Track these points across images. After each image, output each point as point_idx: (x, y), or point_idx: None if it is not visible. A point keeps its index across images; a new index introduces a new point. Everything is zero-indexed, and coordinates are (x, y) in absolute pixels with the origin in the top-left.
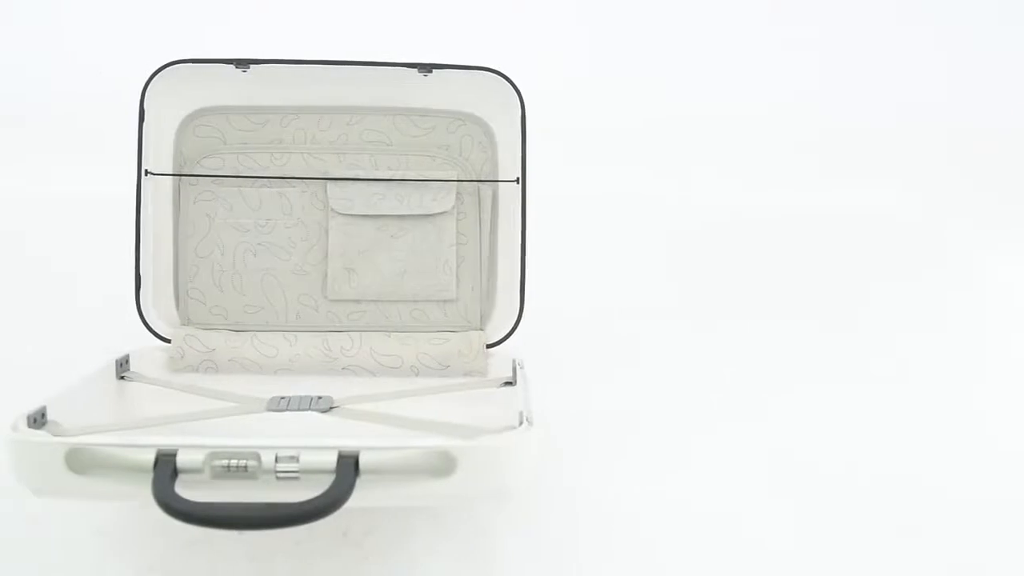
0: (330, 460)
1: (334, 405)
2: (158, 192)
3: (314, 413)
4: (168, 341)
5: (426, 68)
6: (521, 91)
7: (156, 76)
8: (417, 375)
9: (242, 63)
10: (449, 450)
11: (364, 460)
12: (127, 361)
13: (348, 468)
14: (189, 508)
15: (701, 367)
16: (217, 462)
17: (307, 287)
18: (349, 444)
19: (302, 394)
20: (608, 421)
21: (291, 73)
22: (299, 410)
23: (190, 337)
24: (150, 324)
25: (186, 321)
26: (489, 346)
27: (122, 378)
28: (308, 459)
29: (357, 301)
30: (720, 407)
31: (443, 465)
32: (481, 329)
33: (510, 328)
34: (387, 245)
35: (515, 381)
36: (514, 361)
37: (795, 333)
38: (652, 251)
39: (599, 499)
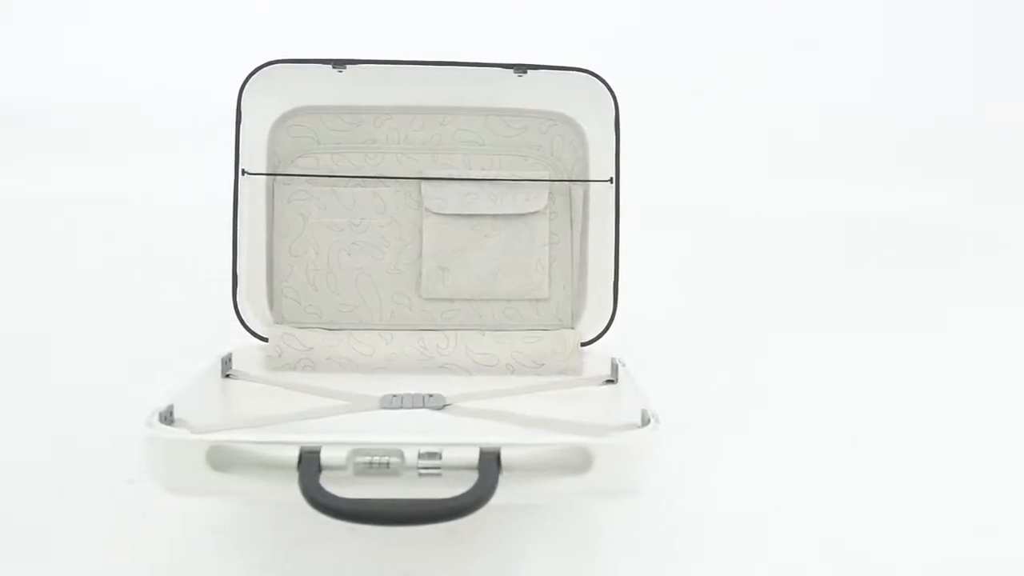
0: (472, 457)
1: (446, 403)
2: (253, 192)
3: (428, 411)
4: (263, 339)
5: (521, 69)
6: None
7: (253, 76)
8: (512, 373)
9: (339, 63)
10: (587, 447)
11: (506, 456)
12: (231, 359)
13: (490, 465)
14: (339, 504)
15: (797, 367)
16: (360, 459)
17: (401, 286)
18: (490, 441)
19: (410, 392)
20: (704, 422)
21: (386, 73)
22: (413, 408)
23: (288, 336)
24: (246, 323)
25: (280, 320)
26: (582, 344)
27: (227, 376)
28: (451, 456)
29: (451, 300)
30: (820, 407)
31: (580, 462)
32: (575, 329)
33: (603, 327)
34: (480, 244)
35: (616, 379)
36: (614, 360)
37: (894, 333)
38: (743, 253)
39: (701, 499)
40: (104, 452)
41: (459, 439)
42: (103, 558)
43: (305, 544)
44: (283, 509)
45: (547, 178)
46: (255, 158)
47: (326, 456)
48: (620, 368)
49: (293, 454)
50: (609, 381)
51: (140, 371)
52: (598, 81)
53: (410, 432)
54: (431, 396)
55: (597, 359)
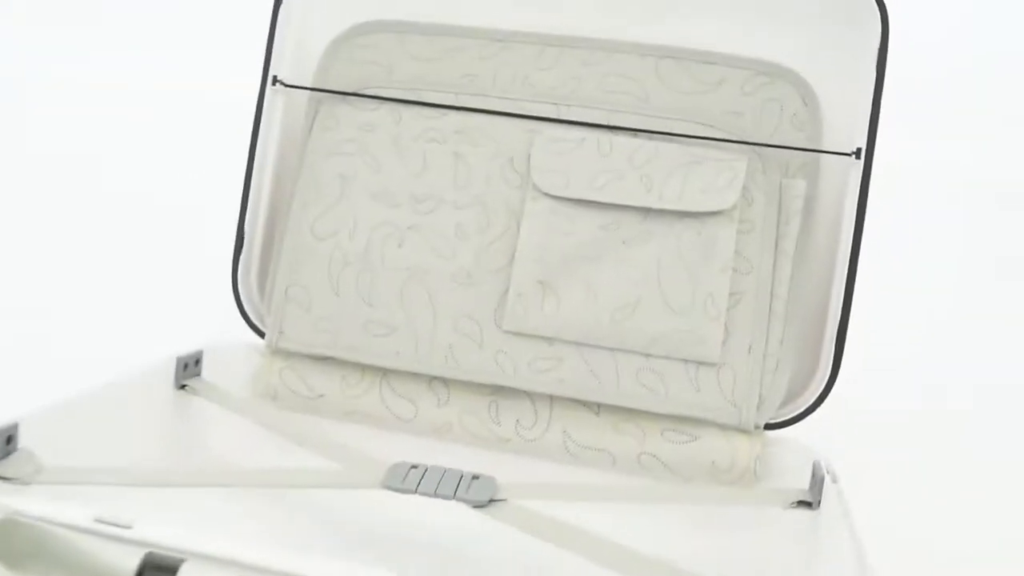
0: None
1: (497, 497)
2: (286, 125)
3: (462, 506)
4: (263, 335)
5: None
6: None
7: None
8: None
9: None
10: None
11: None
12: (197, 362)
13: None
14: None
15: None
16: None
17: (473, 305)
18: None
19: (446, 464)
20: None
21: None
22: (437, 496)
23: (287, 372)
24: (245, 307)
25: (279, 335)
26: (767, 428)
27: (183, 387)
28: None
29: (550, 340)
30: None
31: None
32: (758, 425)
33: (808, 403)
34: (615, 255)
35: (818, 501)
36: (817, 466)
37: None
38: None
39: None
40: None
41: None
42: None
43: None
44: None
45: (743, 167)
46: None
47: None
48: (827, 481)
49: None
50: (804, 503)
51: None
52: None
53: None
54: (476, 479)
55: (788, 457)
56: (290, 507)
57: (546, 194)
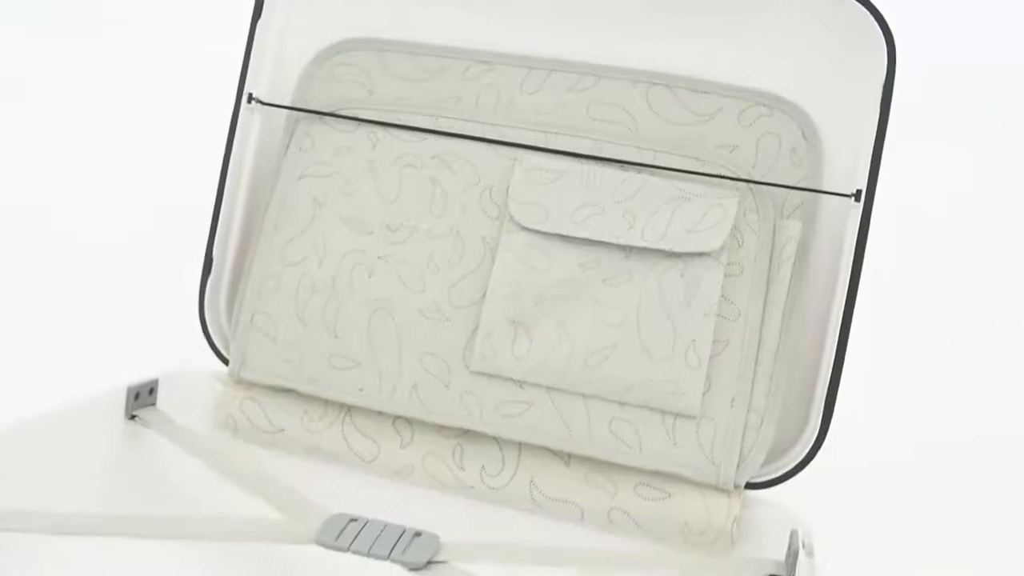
0: None
1: (436, 559)
2: (261, 148)
3: (396, 568)
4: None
5: None
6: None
7: None
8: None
9: None
10: None
11: None
12: (152, 390)
13: None
14: None
15: None
16: None
17: (442, 342)
18: None
19: (389, 519)
20: None
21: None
22: (369, 555)
23: (249, 404)
24: (211, 334)
25: (242, 365)
26: (747, 487)
27: (133, 417)
28: None
29: (520, 383)
30: None
31: None
32: (738, 484)
33: (790, 465)
34: (592, 295)
35: None
36: (794, 536)
37: None
38: None
39: None
40: None
41: None
42: None
43: None
44: None
45: (734, 205)
46: (275, 101)
47: None
48: (802, 554)
49: None
50: None
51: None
52: (870, 16)
53: None
54: (418, 536)
55: (768, 522)
56: (218, 559)
57: (523, 227)
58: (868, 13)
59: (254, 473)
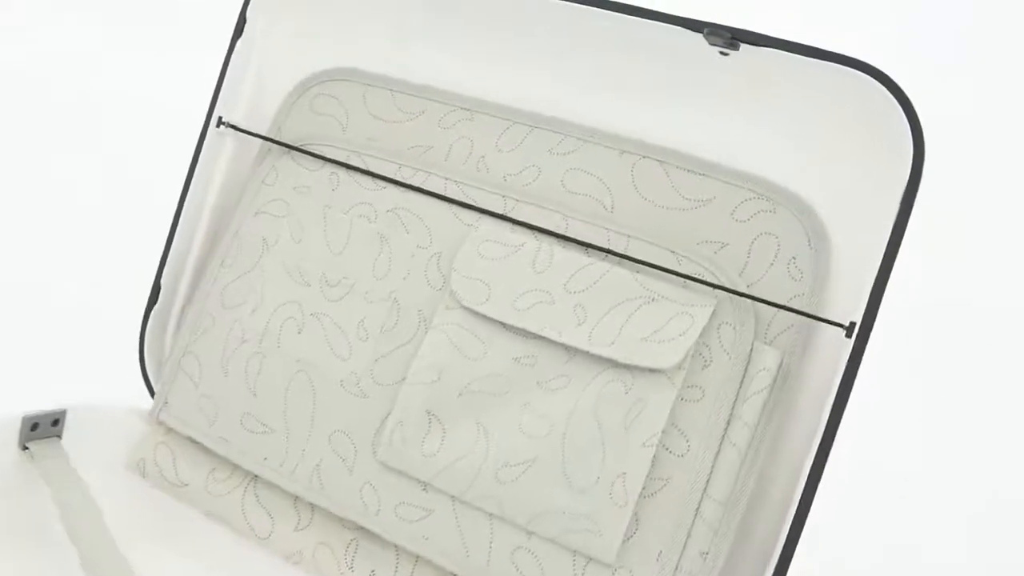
0: None
1: None
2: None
3: None
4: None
5: (725, 37)
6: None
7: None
8: None
9: None
10: None
11: None
12: (56, 422)
13: None
14: None
15: None
16: None
17: (353, 421)
18: None
19: None
20: None
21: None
22: None
23: (163, 449)
24: (148, 367)
25: (163, 405)
26: None
27: (26, 448)
28: None
29: (424, 485)
30: None
31: None
32: None
33: None
34: (522, 397)
35: None
36: None
37: None
38: None
39: None
40: None
41: None
42: None
43: None
44: None
45: (705, 317)
46: (249, 129)
47: None
48: None
49: None
50: None
51: None
52: (884, 91)
53: None
54: None
55: None
56: None
57: (462, 305)
58: (899, 105)
59: (98, 542)
